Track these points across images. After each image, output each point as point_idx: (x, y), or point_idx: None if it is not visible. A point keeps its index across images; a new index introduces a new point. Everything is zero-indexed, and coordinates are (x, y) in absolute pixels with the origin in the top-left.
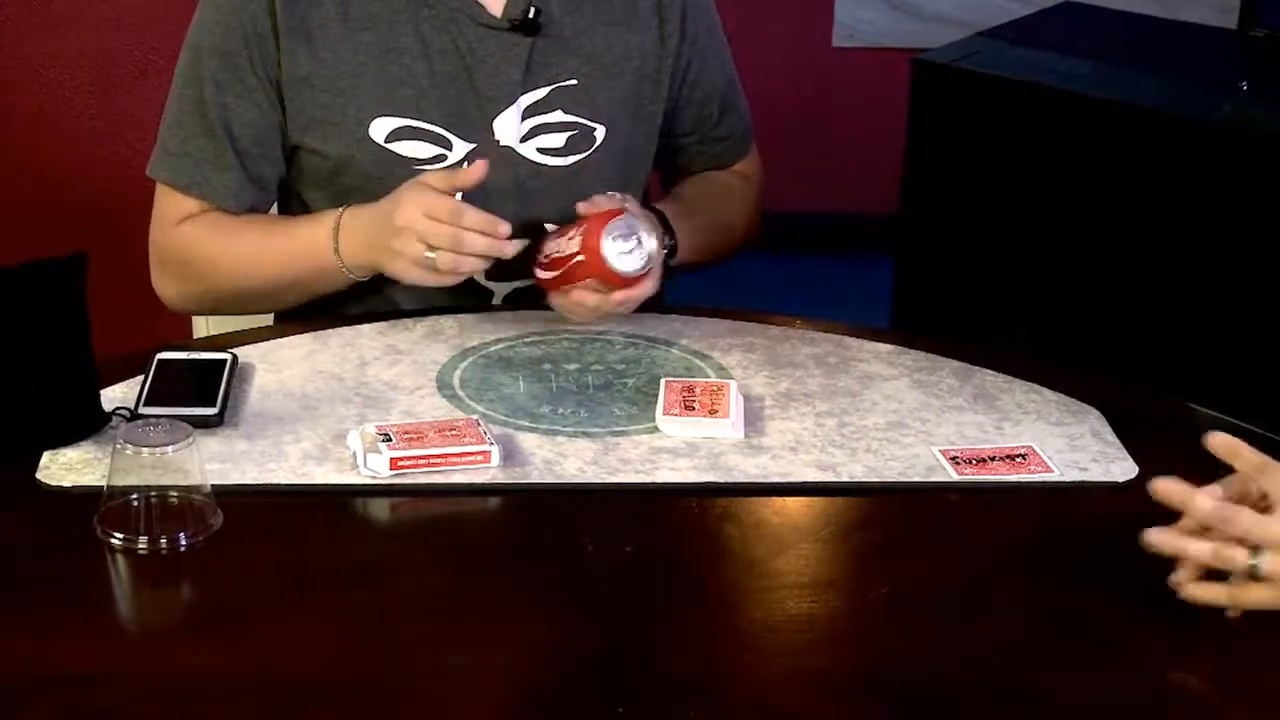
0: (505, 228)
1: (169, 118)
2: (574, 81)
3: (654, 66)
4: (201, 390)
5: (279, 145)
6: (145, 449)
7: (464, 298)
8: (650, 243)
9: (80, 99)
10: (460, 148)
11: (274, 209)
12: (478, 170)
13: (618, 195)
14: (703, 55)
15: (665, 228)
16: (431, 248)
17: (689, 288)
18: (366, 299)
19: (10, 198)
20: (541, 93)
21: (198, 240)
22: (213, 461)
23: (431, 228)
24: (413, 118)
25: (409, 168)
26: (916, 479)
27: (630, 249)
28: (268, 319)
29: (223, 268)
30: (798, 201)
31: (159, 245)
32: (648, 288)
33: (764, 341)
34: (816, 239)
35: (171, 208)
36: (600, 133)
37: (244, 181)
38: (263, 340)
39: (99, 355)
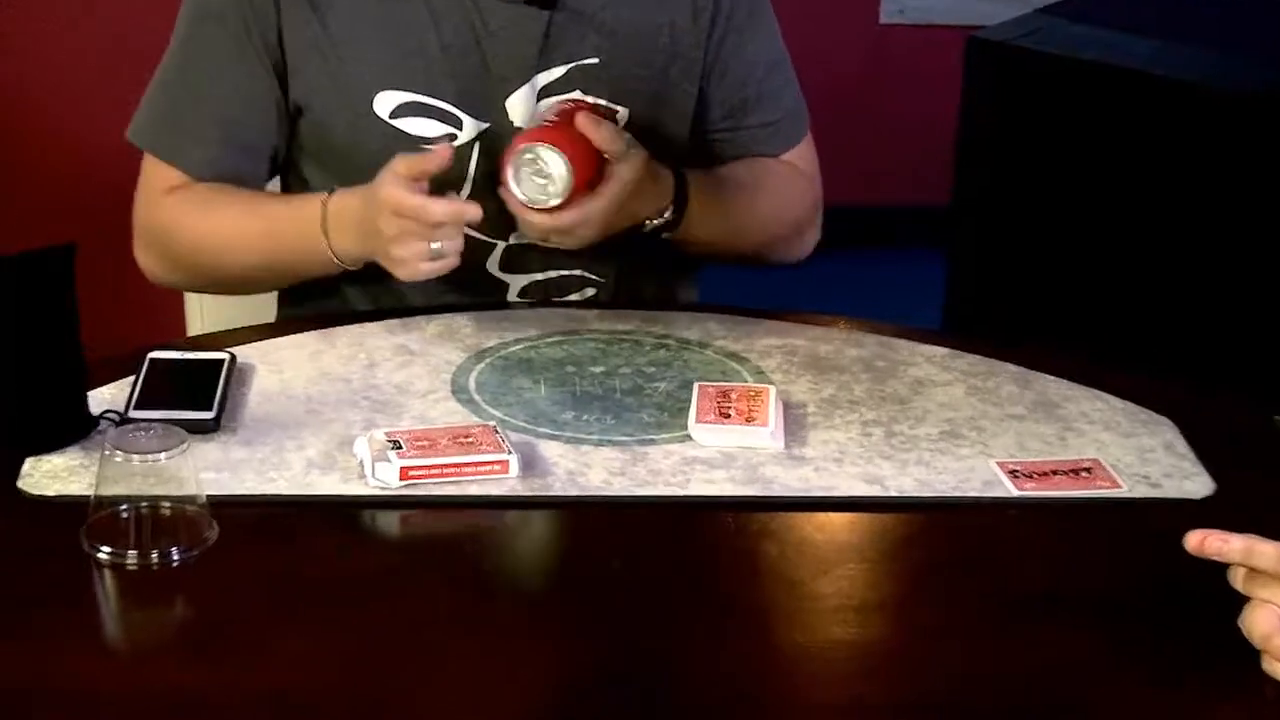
0: (474, 212)
1: (156, 79)
2: (595, 60)
3: (687, 43)
4: (197, 392)
5: (273, 114)
6: (136, 456)
7: (476, 292)
8: (558, 172)
9: (74, 80)
10: (471, 127)
11: (276, 185)
12: (441, 156)
13: (575, 101)
14: (740, 31)
15: (678, 192)
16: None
17: (725, 285)
18: (372, 290)
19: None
20: (559, 71)
21: (179, 215)
22: (208, 470)
23: (411, 229)
24: (420, 93)
25: (416, 146)
26: (972, 494)
27: (534, 174)
28: (268, 312)
29: (204, 247)
30: (841, 192)
31: (141, 218)
32: (565, 219)
33: (806, 343)
34: (862, 233)
35: (156, 177)
36: (624, 117)
37: (224, 153)
38: (263, 339)
39: (87, 354)
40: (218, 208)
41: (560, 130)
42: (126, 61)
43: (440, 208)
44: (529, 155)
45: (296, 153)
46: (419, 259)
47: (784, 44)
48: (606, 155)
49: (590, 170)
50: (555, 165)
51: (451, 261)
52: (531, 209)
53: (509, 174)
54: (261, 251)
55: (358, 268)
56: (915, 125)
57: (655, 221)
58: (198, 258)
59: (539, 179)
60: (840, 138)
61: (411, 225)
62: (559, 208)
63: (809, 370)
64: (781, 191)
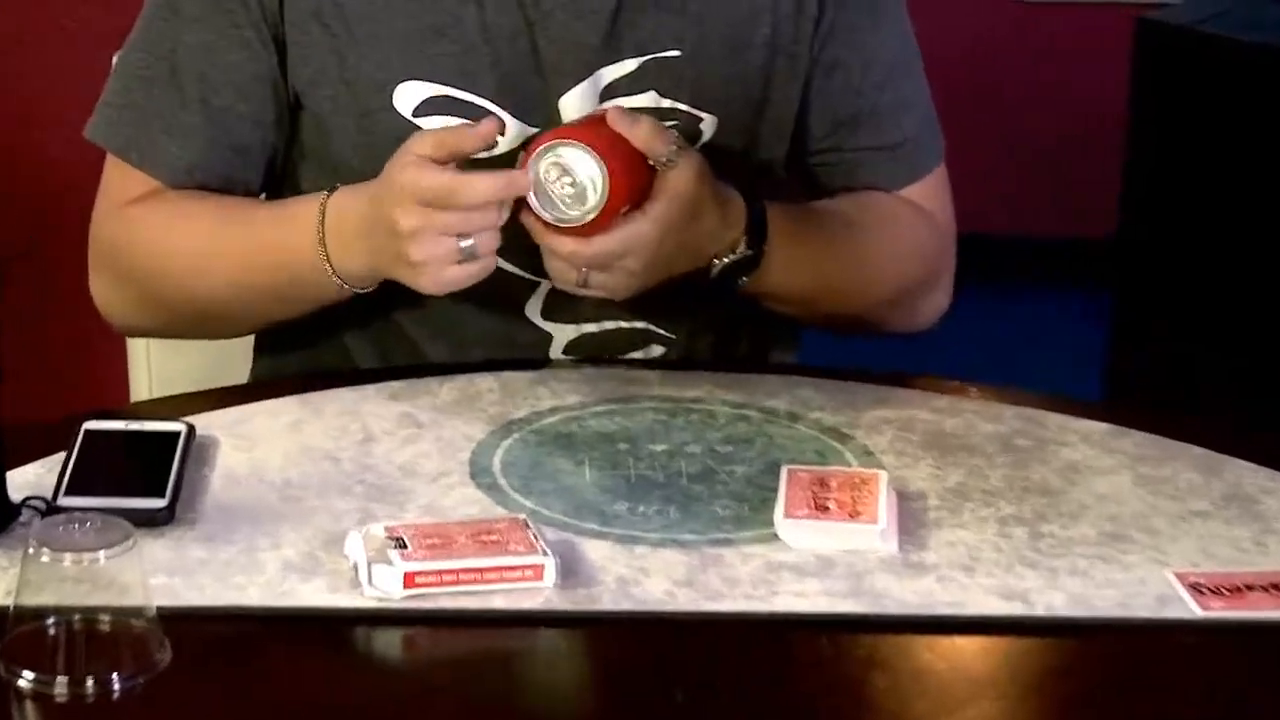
0: (524, 182)
1: (121, 59)
2: (675, 53)
3: (789, 36)
4: (145, 474)
5: (272, 104)
6: (67, 555)
7: (512, 345)
8: (589, 175)
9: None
10: (516, 131)
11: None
12: (487, 130)
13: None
14: (854, 20)
15: (756, 229)
16: (463, 235)
17: (823, 339)
18: (378, 338)
19: None
20: (629, 66)
21: (142, 229)
22: (159, 574)
23: (438, 221)
24: (453, 85)
25: None
26: (1142, 613)
27: (563, 185)
28: (237, 370)
29: (170, 269)
30: (974, 219)
31: (96, 236)
32: (603, 245)
33: (927, 416)
34: (1001, 271)
35: (120, 185)
36: (709, 126)
37: (210, 154)
38: (230, 405)
39: (7, 422)
40: (188, 219)
41: (591, 127)
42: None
43: (484, 185)
44: (552, 157)
45: (294, 158)
46: (446, 261)
47: (916, 45)
48: (651, 161)
49: (633, 180)
50: (585, 168)
51: (488, 264)
52: (557, 229)
53: (535, 173)
54: (240, 273)
55: (367, 289)
56: (1072, 132)
57: (726, 260)
58: (162, 284)
59: (566, 188)
60: (977, 150)
61: (436, 217)
62: (592, 226)
63: (931, 451)
64: (899, 238)
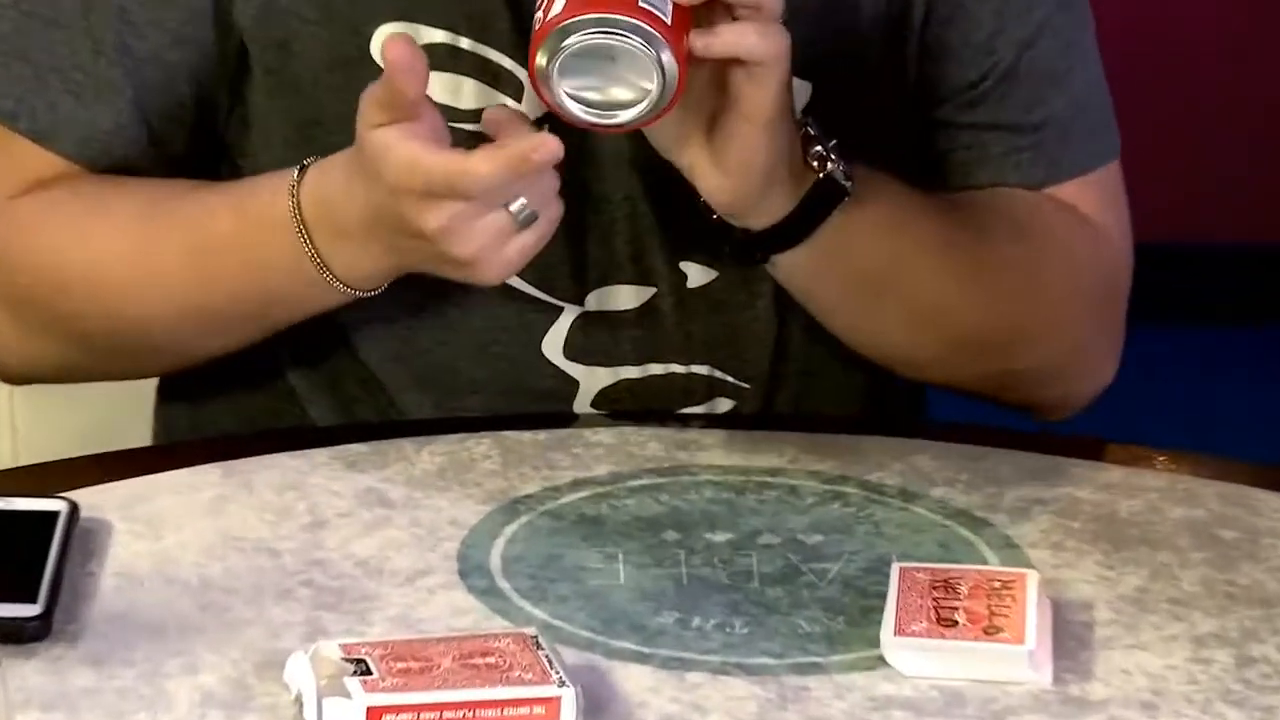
0: (554, 145)
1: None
2: None
3: None
4: (11, 571)
5: (213, 47)
6: None
7: (523, 394)
8: (648, 57)
9: None
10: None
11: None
12: (397, 54)
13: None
14: None
15: (829, 180)
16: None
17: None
18: (329, 373)
19: None
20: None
21: (40, 230)
22: (31, 708)
23: (469, 207)
24: (453, 29)
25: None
26: None
27: (601, 80)
28: (135, 426)
29: (86, 286)
30: (1161, 228)
31: None
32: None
33: (1094, 494)
34: (1190, 293)
35: (8, 167)
36: (803, 90)
37: (130, 112)
38: (127, 475)
39: None
40: (107, 214)
41: None
42: None
43: (487, 168)
44: (589, 38)
45: (237, 125)
46: (502, 240)
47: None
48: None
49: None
50: (640, 50)
51: (555, 215)
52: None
53: (548, 82)
54: (188, 287)
55: (376, 290)
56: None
57: (829, 164)
58: (73, 307)
59: (606, 83)
60: (1166, 144)
61: (462, 205)
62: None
63: (1098, 543)
64: (1039, 253)
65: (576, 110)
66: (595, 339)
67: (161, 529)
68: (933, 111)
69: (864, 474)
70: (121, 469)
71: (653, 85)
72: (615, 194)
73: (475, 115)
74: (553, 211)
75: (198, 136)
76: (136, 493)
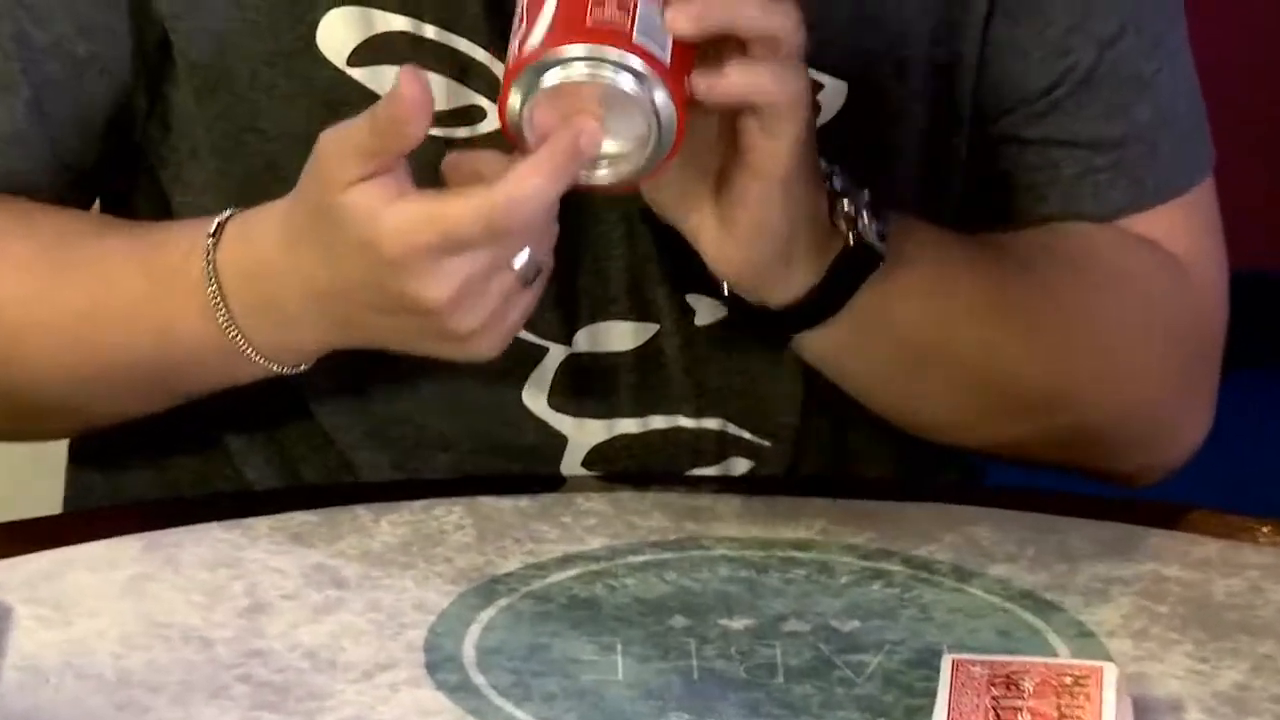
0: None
1: None
2: None
3: None
4: None
5: (129, 39)
6: None
7: (496, 453)
8: (638, 125)
9: None
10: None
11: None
12: (412, 95)
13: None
14: None
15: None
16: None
17: None
18: (271, 428)
19: None
20: None
21: None
22: None
23: (478, 268)
24: (413, 14)
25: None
26: None
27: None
28: (47, 485)
29: None
30: (1247, 250)
31: None
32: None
33: (1184, 572)
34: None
35: None
36: (836, 93)
37: (29, 115)
38: (32, 548)
39: None
40: (2, 252)
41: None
42: None
43: (533, 181)
44: (570, 74)
45: (157, 130)
46: (506, 308)
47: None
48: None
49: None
50: (637, 99)
51: (549, 271)
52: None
53: (523, 128)
54: (86, 345)
55: (306, 367)
56: None
57: (860, 222)
58: None
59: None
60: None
61: (471, 262)
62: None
63: (1189, 630)
64: (1110, 307)
65: None
66: (586, 386)
67: (72, 613)
68: (994, 125)
69: (909, 548)
70: (25, 540)
71: (647, 133)
72: (609, 212)
73: (440, 118)
74: (549, 266)
75: (109, 146)
76: (43, 569)
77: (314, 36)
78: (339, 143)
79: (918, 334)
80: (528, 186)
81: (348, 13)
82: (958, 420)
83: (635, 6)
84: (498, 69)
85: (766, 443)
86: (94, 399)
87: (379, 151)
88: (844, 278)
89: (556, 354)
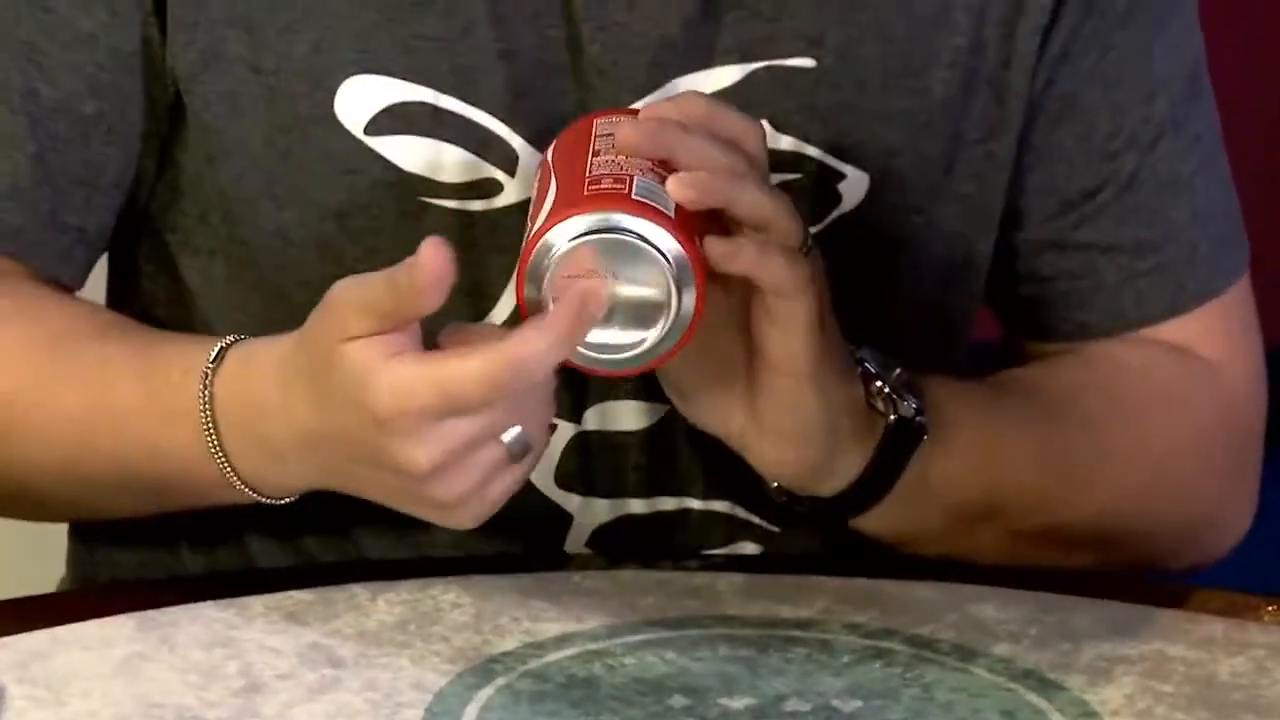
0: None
1: None
2: (806, 62)
3: (998, 54)
4: None
5: (140, 98)
6: None
7: (498, 533)
8: (664, 280)
9: None
10: (531, 164)
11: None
12: (433, 266)
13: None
14: (1104, 43)
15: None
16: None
17: None
18: (268, 509)
19: None
20: (727, 75)
21: None
22: None
23: (464, 435)
24: (433, 86)
25: (415, 204)
26: None
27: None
28: (47, 566)
29: None
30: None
31: None
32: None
33: (1191, 652)
34: None
35: None
36: (858, 184)
37: (33, 173)
38: (24, 628)
39: None
40: (3, 339)
41: (649, 204)
42: None
43: (540, 341)
44: (583, 235)
45: (165, 194)
46: (488, 481)
47: (1209, 85)
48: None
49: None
50: (642, 249)
51: (540, 451)
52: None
53: (535, 305)
54: (76, 448)
55: (288, 500)
56: None
57: (899, 408)
58: None
59: (614, 314)
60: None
61: (459, 430)
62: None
63: (1194, 710)
64: (1153, 432)
65: (586, 353)
66: (594, 465)
67: (64, 693)
68: (1033, 230)
69: (912, 626)
70: (17, 619)
71: (665, 283)
72: None
73: (458, 190)
74: (541, 444)
75: (114, 207)
76: (34, 648)
77: (332, 104)
78: (353, 294)
79: (967, 494)
80: (534, 345)
81: (367, 81)
82: (1014, 560)
83: (631, 179)
84: (515, 142)
85: (775, 530)
86: (84, 497)
87: (390, 314)
88: (890, 458)
89: (565, 432)
